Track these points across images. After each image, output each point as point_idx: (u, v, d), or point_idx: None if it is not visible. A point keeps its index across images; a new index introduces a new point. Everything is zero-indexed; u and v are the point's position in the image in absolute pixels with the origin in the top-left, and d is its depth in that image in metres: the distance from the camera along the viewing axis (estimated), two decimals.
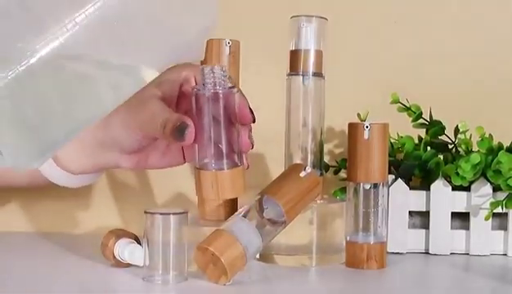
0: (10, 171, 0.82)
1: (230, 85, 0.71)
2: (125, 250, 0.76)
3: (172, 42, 0.66)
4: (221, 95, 0.70)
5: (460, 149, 0.92)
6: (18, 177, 0.83)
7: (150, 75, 0.67)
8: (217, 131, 0.70)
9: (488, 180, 0.88)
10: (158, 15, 0.63)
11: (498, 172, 0.86)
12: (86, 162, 0.79)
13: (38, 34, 0.58)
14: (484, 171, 0.88)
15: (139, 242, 0.77)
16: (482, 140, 0.89)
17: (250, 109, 0.74)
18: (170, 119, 0.70)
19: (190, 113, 0.71)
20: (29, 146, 0.61)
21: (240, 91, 0.73)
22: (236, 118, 0.72)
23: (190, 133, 0.69)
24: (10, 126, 0.59)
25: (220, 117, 0.70)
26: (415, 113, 0.94)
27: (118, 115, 0.73)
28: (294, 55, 0.85)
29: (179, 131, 0.69)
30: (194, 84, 0.74)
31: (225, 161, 0.71)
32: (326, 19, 0.85)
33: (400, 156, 0.95)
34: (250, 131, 0.75)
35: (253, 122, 0.75)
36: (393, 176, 0.90)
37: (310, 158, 0.85)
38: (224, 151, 0.71)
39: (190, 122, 0.70)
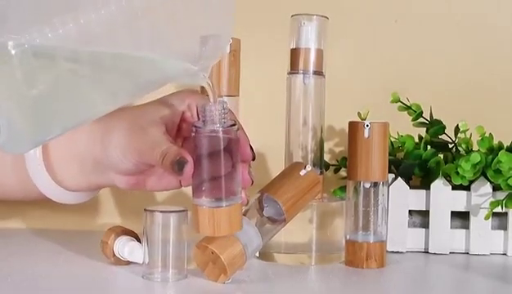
0: (5, 185, 0.81)
1: (230, 123, 0.70)
2: (125, 248, 0.76)
3: (186, 46, 0.65)
4: (220, 135, 0.69)
5: (460, 148, 0.92)
6: (13, 190, 0.82)
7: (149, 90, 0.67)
8: (216, 169, 0.69)
9: (488, 180, 0.88)
10: (177, 13, 0.63)
11: (498, 172, 0.86)
12: (82, 180, 0.78)
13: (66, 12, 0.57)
14: (484, 171, 0.88)
15: (139, 240, 0.77)
16: (482, 139, 0.89)
17: (251, 146, 0.74)
18: (169, 152, 0.69)
19: (189, 145, 0.71)
20: (28, 128, 0.60)
21: (240, 128, 0.73)
22: (237, 155, 0.71)
23: (188, 169, 0.68)
24: (20, 102, 0.58)
25: (220, 153, 0.69)
26: (415, 112, 0.94)
27: (118, 138, 0.73)
28: (295, 54, 0.85)
29: (178, 165, 0.68)
30: (197, 113, 0.73)
31: (223, 198, 0.70)
32: (327, 17, 0.85)
33: (400, 155, 0.95)
34: (250, 167, 0.74)
35: (253, 160, 0.74)
36: (393, 175, 0.90)
37: (310, 156, 0.85)
38: (222, 189, 0.70)
39: (189, 157, 0.69)
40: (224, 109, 0.69)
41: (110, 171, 0.75)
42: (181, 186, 0.76)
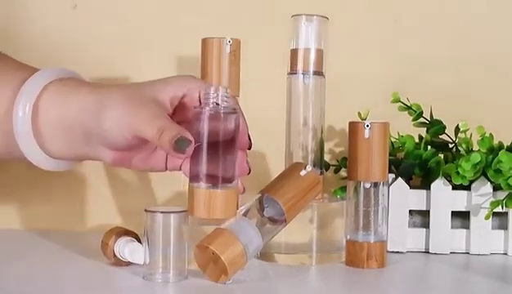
0: None
1: (233, 107, 0.70)
2: (125, 248, 0.76)
3: None
4: (222, 116, 0.70)
5: (460, 148, 0.92)
6: None
7: None
8: (215, 151, 0.70)
9: (489, 180, 0.88)
10: None
11: (498, 171, 0.86)
12: (67, 149, 0.76)
13: None
14: (484, 171, 0.88)
15: (139, 241, 0.77)
16: (482, 139, 0.89)
17: (249, 135, 0.74)
18: (168, 128, 0.69)
19: (189, 128, 0.71)
20: None
21: (241, 115, 0.73)
22: (235, 141, 0.71)
23: (190, 149, 0.69)
24: None
25: (219, 137, 0.70)
26: (415, 112, 0.94)
27: (114, 111, 0.71)
28: (295, 54, 0.85)
29: (180, 144, 0.68)
30: (198, 99, 0.73)
31: (220, 181, 0.70)
32: (327, 18, 0.85)
33: (400, 155, 0.95)
34: (247, 156, 0.75)
35: (249, 148, 0.74)
36: (394, 175, 0.90)
37: (310, 156, 0.85)
38: (220, 172, 0.70)
39: (191, 137, 0.69)
40: (227, 93, 0.70)
41: (99, 144, 0.74)
42: (166, 169, 0.76)
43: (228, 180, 0.71)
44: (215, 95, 0.70)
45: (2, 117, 0.76)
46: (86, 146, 0.75)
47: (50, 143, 0.76)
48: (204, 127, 0.70)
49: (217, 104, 0.70)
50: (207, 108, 0.70)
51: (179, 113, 0.74)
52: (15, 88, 0.76)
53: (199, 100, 0.72)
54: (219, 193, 0.70)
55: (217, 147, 0.70)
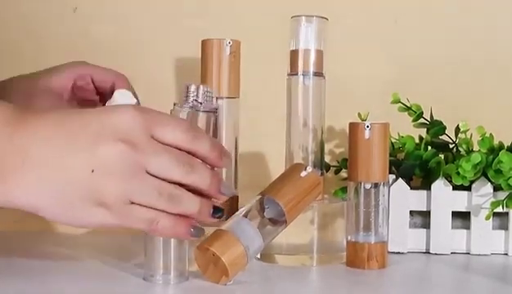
0: None
1: (213, 106, 0.70)
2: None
3: None
4: (199, 115, 0.69)
5: (460, 148, 0.92)
6: None
7: None
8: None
9: (489, 180, 0.88)
10: None
11: (499, 172, 0.86)
12: None
13: None
14: (485, 171, 0.88)
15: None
16: (482, 139, 0.89)
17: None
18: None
19: None
20: None
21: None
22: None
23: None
24: None
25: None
26: (415, 112, 0.94)
27: (17, 101, 0.76)
28: (295, 55, 0.85)
29: None
30: (90, 83, 0.83)
31: None
32: (327, 18, 0.85)
33: (401, 156, 0.95)
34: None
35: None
36: (394, 176, 0.90)
37: (311, 157, 0.85)
38: None
39: None
40: (209, 91, 0.69)
41: None
42: None
43: None
44: (195, 93, 0.69)
45: None
46: None
47: None
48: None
49: (198, 102, 0.69)
50: (185, 105, 0.69)
51: (78, 93, 0.84)
52: None
53: (93, 83, 0.83)
54: None
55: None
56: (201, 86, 0.70)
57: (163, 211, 0.64)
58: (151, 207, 0.64)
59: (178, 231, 0.66)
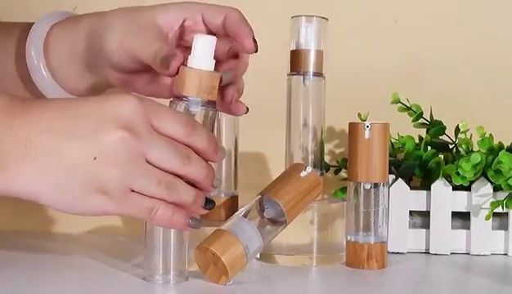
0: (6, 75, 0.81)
1: (211, 102, 0.69)
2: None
3: None
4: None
5: (460, 148, 0.92)
6: (15, 82, 0.82)
7: None
8: None
9: (489, 180, 0.88)
10: None
11: (499, 172, 0.86)
12: (77, 80, 0.78)
13: None
14: (485, 171, 0.88)
15: None
16: (482, 139, 0.89)
17: (254, 38, 0.72)
18: (161, 49, 0.69)
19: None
20: None
21: (245, 22, 0.73)
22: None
23: (175, 63, 0.67)
24: None
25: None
26: (415, 112, 0.94)
27: (116, 34, 0.72)
28: (295, 55, 0.85)
29: (165, 61, 0.68)
30: (201, 21, 0.73)
31: None
32: (327, 19, 0.85)
33: (400, 156, 0.95)
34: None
35: (256, 51, 0.73)
36: (394, 176, 0.90)
37: (310, 157, 0.85)
38: None
39: (179, 53, 0.68)
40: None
41: (106, 66, 0.74)
42: (170, 96, 0.73)
43: None
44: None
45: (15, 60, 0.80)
46: (96, 71, 0.76)
47: (62, 76, 0.78)
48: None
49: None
50: (184, 99, 0.68)
51: (186, 35, 0.74)
52: (22, 32, 0.80)
53: (204, 23, 0.72)
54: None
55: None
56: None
57: (160, 199, 0.65)
58: (150, 196, 0.64)
59: (176, 221, 0.66)
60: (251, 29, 0.72)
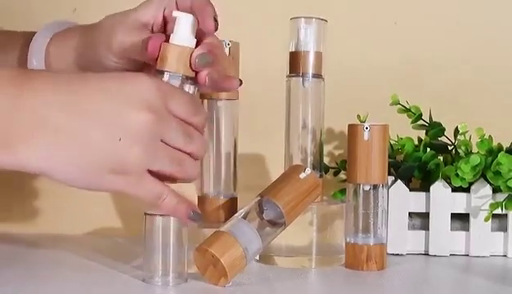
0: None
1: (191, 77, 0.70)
2: None
3: None
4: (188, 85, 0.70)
5: (459, 150, 0.92)
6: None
7: None
8: None
9: (488, 182, 0.88)
10: None
11: (498, 173, 0.86)
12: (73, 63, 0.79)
13: None
14: (484, 173, 0.88)
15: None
16: (481, 141, 0.89)
17: (215, 18, 0.73)
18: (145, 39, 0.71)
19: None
20: None
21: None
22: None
23: (151, 43, 0.69)
24: None
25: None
26: (414, 114, 0.94)
27: (105, 39, 0.74)
28: (294, 57, 0.85)
29: (144, 43, 0.70)
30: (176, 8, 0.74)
31: None
32: (326, 20, 0.85)
33: (400, 157, 0.95)
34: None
35: (216, 30, 0.73)
36: (393, 178, 0.90)
37: (310, 159, 0.85)
38: None
39: (158, 34, 0.70)
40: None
41: (103, 72, 0.75)
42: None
43: None
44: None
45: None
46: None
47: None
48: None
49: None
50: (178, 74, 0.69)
51: (167, 27, 0.75)
52: (23, 41, 0.81)
53: (176, 7, 0.74)
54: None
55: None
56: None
57: (170, 177, 0.67)
58: (164, 174, 0.66)
59: (179, 210, 0.68)
60: (214, 9, 0.73)
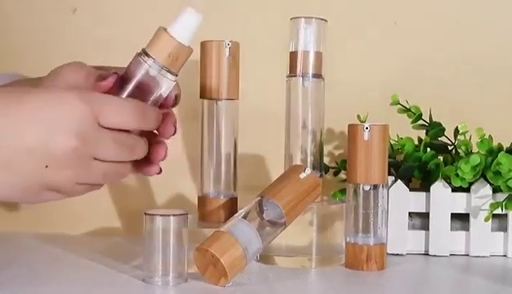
0: None
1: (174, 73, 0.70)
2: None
3: None
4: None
5: (459, 150, 0.92)
6: None
7: None
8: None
9: (488, 182, 0.88)
10: None
11: (498, 173, 0.86)
12: None
13: None
14: (484, 173, 0.88)
15: None
16: (481, 141, 0.89)
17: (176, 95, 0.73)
18: (92, 70, 0.72)
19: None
20: None
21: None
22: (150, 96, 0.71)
23: (110, 80, 0.69)
24: None
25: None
26: (414, 114, 0.94)
27: (47, 81, 0.72)
28: (294, 57, 0.85)
29: (103, 76, 0.70)
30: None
31: None
32: (326, 20, 0.85)
33: (400, 157, 0.95)
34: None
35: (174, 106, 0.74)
36: (393, 178, 0.90)
37: (310, 159, 0.85)
38: None
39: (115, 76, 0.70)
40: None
41: None
42: None
43: None
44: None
45: None
46: None
47: None
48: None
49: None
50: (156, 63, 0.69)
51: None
52: None
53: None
54: None
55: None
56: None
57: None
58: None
59: (125, 171, 0.70)
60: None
